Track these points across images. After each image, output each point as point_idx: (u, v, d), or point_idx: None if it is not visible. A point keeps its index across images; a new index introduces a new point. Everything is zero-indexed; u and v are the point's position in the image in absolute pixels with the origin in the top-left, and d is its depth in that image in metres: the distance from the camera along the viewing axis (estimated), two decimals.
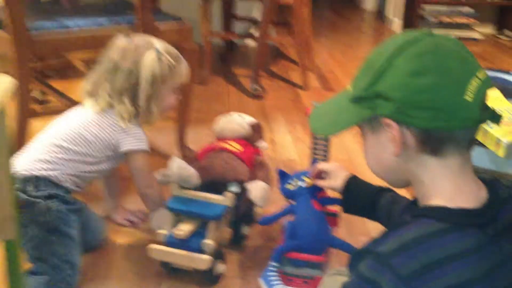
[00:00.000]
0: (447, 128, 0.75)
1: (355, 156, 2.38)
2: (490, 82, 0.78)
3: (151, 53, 1.52)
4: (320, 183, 1.40)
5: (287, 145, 2.53)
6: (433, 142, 0.76)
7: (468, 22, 4.60)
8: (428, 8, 4.60)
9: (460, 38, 4.47)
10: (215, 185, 1.56)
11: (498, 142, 1.25)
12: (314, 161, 1.67)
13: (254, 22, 3.88)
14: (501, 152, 1.23)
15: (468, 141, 0.78)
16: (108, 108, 1.55)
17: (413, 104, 0.74)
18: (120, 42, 1.56)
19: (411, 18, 4.60)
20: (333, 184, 1.35)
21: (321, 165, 1.42)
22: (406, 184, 0.86)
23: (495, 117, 0.80)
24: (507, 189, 0.83)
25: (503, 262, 0.76)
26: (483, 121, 0.77)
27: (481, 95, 0.75)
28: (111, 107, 1.54)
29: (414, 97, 0.74)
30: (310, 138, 1.67)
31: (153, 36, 1.61)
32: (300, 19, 3.21)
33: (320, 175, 1.43)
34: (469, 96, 0.73)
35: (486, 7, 4.73)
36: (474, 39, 4.52)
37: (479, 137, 1.28)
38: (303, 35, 3.27)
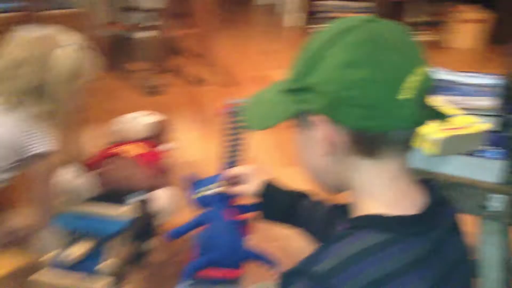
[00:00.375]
0: (381, 128, 0.69)
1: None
2: (431, 79, 0.71)
3: (61, 47, 1.34)
4: (232, 189, 1.24)
5: (190, 145, 2.38)
6: (367, 143, 0.70)
7: None
8: (324, 3, 4.61)
9: None
10: (114, 197, 1.40)
11: (428, 139, 1.17)
12: (226, 162, 1.52)
13: (151, 12, 3.64)
14: (434, 150, 1.15)
15: (405, 143, 0.72)
16: (12, 109, 1.33)
17: (345, 100, 0.68)
18: (20, 35, 1.34)
19: (307, 13, 4.59)
20: (247, 189, 1.22)
21: (235, 170, 1.26)
22: (341, 189, 0.79)
23: (438, 116, 0.75)
24: (441, 193, 0.78)
25: (449, 273, 0.72)
26: (422, 121, 0.71)
27: (420, 93, 0.69)
28: (15, 107, 1.33)
29: (346, 92, 0.68)
30: (221, 137, 1.51)
31: (54, 27, 1.38)
32: (203, 10, 3.04)
33: (234, 179, 1.27)
34: (405, 94, 0.67)
35: (381, 1, 4.80)
36: None
37: None
38: (206, 27, 3.10)
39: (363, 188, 0.74)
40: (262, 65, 3.68)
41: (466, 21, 4.43)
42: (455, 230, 0.77)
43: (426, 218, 0.72)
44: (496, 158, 1.16)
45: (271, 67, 3.66)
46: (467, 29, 4.33)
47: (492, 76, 1.53)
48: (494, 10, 4.38)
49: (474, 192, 1.17)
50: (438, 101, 1.37)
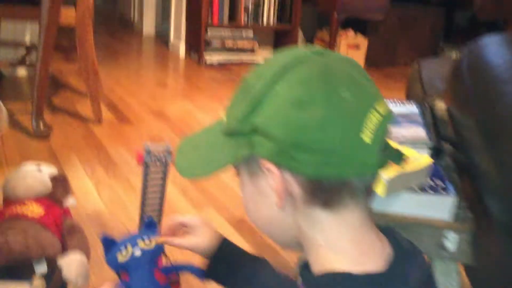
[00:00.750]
0: (341, 175, 0.61)
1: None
2: (392, 116, 0.64)
3: None
4: (180, 242, 1.07)
5: (89, 193, 2.16)
6: (325, 193, 0.63)
7: (251, 46, 4.67)
8: (212, 32, 4.54)
9: (243, 62, 4.55)
10: (15, 269, 1.16)
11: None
12: (144, 217, 1.34)
13: (26, 47, 3.34)
14: (380, 190, 1.06)
15: (367, 189, 0.65)
16: None
17: (298, 145, 0.60)
18: None
19: (195, 42, 4.51)
20: (196, 243, 1.06)
21: (178, 218, 1.09)
22: (297, 245, 0.70)
23: (397, 157, 0.67)
24: (403, 238, 0.70)
25: None
26: (383, 164, 0.64)
27: (381, 133, 0.62)
28: None
29: (299, 135, 0.60)
30: (141, 185, 1.33)
31: None
32: (84, 43, 2.82)
33: (178, 229, 1.11)
34: (367, 135, 0.60)
35: (264, 31, 4.86)
36: (258, 63, 4.56)
37: None
38: (88, 61, 2.87)
39: (323, 243, 0.65)
40: (159, 98, 3.53)
41: (349, 46, 4.58)
42: (430, 281, 0.70)
43: (393, 274, 0.64)
44: (448, 194, 1.10)
45: (169, 100, 3.52)
46: (350, 54, 4.46)
47: (405, 104, 1.51)
48: (366, 35, 4.59)
49: (428, 232, 1.11)
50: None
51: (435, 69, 2.24)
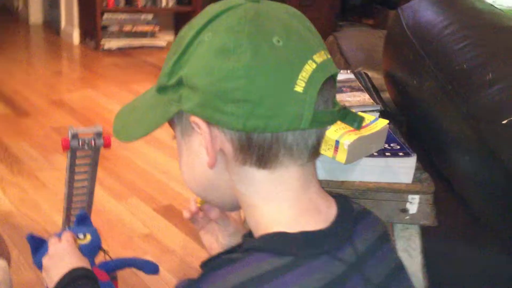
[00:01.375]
0: (272, 129, 0.57)
1: None
2: (334, 68, 0.60)
3: None
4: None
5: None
6: (256, 149, 0.58)
7: (151, 30, 4.49)
8: (108, 16, 4.30)
9: (145, 47, 4.36)
10: None
11: (336, 145, 1.01)
12: (71, 210, 1.20)
13: None
14: (340, 157, 0.99)
15: (308, 147, 0.60)
16: None
17: (222, 95, 0.56)
18: None
19: (90, 28, 4.26)
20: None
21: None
22: (236, 206, 0.66)
23: (355, 121, 0.63)
24: (355, 203, 0.67)
25: None
26: (326, 120, 0.60)
27: (319, 85, 0.57)
28: None
29: (222, 85, 0.56)
30: (66, 177, 1.17)
31: None
32: None
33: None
34: (301, 86, 0.56)
35: (164, 14, 4.69)
36: (160, 47, 4.42)
37: None
38: None
39: (260, 204, 0.61)
40: (57, 87, 3.29)
41: None
42: (383, 240, 0.66)
43: (335, 233, 0.60)
44: (407, 156, 1.06)
45: (68, 89, 3.28)
46: None
47: (340, 72, 1.46)
48: None
49: (389, 197, 1.07)
50: None
51: (354, 40, 2.23)
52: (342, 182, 1.07)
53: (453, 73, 1.01)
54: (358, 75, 1.47)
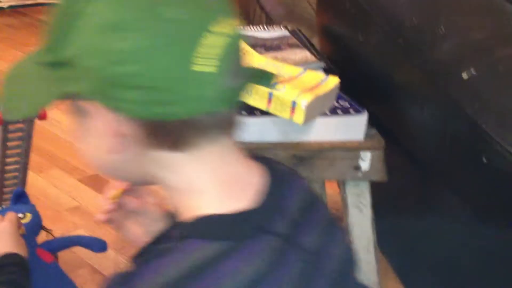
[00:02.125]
0: (177, 115, 0.52)
1: None
2: (238, 36, 0.54)
3: None
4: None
5: None
6: (168, 134, 0.53)
7: None
8: None
9: (40, 4, 4.05)
10: None
11: (292, 106, 0.99)
12: (6, 188, 1.11)
13: None
14: (298, 118, 0.98)
15: (224, 124, 0.56)
16: None
17: (116, 79, 0.50)
18: None
19: None
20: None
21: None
22: (148, 183, 0.62)
23: (264, 78, 0.61)
24: (280, 164, 0.65)
25: (314, 270, 0.58)
26: (237, 96, 0.55)
27: (219, 60, 0.51)
28: None
29: (114, 68, 0.50)
30: None
31: None
32: None
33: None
34: (204, 62, 0.50)
35: None
36: None
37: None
38: None
39: (182, 187, 0.56)
40: None
41: None
42: (312, 201, 0.64)
43: (267, 207, 0.57)
44: (359, 113, 1.06)
45: None
46: None
47: (269, 29, 1.43)
48: None
49: (342, 155, 1.07)
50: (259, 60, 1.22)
51: None
52: (297, 143, 1.06)
53: (403, 27, 1.01)
54: (292, 32, 1.45)
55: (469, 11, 0.97)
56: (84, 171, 1.83)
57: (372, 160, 1.09)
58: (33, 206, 1.06)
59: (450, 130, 0.88)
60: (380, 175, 1.10)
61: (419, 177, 1.11)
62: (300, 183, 0.64)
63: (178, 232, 0.55)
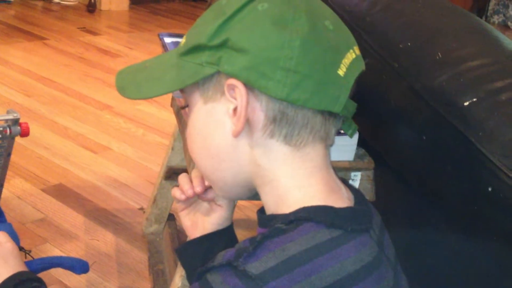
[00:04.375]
0: (310, 104, 0.59)
1: None
2: (363, 64, 0.65)
3: None
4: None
5: None
6: (287, 125, 0.61)
7: None
8: None
9: None
10: None
11: None
12: None
13: None
14: None
15: (331, 132, 0.64)
16: None
17: (273, 62, 0.58)
18: None
19: None
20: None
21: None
22: (247, 190, 0.67)
23: (350, 127, 0.68)
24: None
25: (396, 277, 0.64)
26: (352, 111, 0.64)
27: (356, 75, 0.62)
28: None
29: (276, 52, 0.58)
30: None
31: None
32: None
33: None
34: (343, 71, 0.60)
35: None
36: (7, 2, 3.98)
37: None
38: None
39: (284, 179, 0.62)
40: None
41: None
42: (383, 226, 0.70)
43: (364, 213, 0.64)
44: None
45: None
46: None
47: None
48: None
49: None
50: None
51: None
52: None
53: (397, 50, 1.02)
54: None
55: (464, 35, 0.99)
56: (47, 181, 1.77)
57: (362, 181, 1.09)
58: (10, 225, 1.01)
59: (452, 157, 0.89)
60: (369, 195, 1.11)
61: (407, 195, 1.12)
62: (371, 205, 0.69)
63: (291, 217, 0.59)
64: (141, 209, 1.66)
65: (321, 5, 0.64)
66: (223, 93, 0.61)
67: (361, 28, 1.10)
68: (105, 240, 1.51)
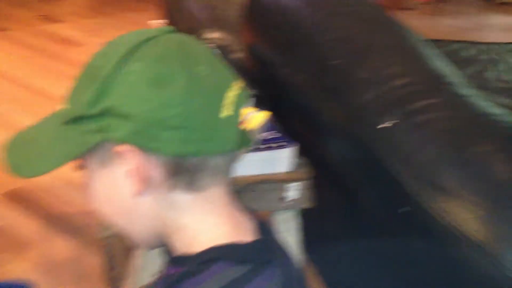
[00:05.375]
0: (203, 152, 0.61)
1: None
2: (247, 94, 0.66)
3: None
4: None
5: None
6: (186, 173, 0.62)
7: None
8: None
9: None
10: None
11: None
12: None
13: None
14: None
15: (227, 168, 0.65)
16: None
17: (159, 123, 0.59)
18: None
19: None
20: None
21: None
22: (159, 241, 0.68)
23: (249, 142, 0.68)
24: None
25: None
26: (249, 140, 0.66)
27: (239, 110, 0.63)
28: None
29: (159, 113, 0.59)
30: None
31: None
32: None
33: None
34: (227, 112, 0.61)
35: None
36: None
37: None
38: None
39: (193, 225, 0.64)
40: None
41: None
42: (286, 252, 0.73)
43: (268, 244, 0.67)
44: (287, 145, 1.09)
45: None
46: None
47: None
48: None
49: (271, 187, 1.10)
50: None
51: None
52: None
53: (328, 68, 1.04)
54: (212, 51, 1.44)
55: (392, 53, 1.01)
56: (1, 186, 1.75)
57: (301, 189, 1.12)
58: None
59: (367, 176, 0.93)
60: (307, 203, 1.15)
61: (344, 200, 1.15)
62: (273, 231, 0.71)
63: (200, 258, 0.61)
64: None
65: (193, 49, 0.63)
66: (118, 157, 0.61)
67: (296, 40, 1.12)
68: (63, 246, 1.51)
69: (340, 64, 1.02)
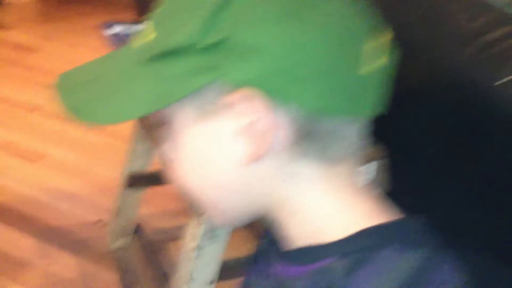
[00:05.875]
0: (342, 112, 0.50)
1: None
2: (396, 50, 0.53)
3: None
4: None
5: None
6: (318, 139, 0.50)
7: None
8: None
9: None
10: None
11: None
12: None
13: None
14: None
15: (358, 142, 0.53)
16: None
17: (297, 66, 0.48)
18: None
19: None
20: None
21: None
22: (251, 220, 0.55)
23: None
24: None
25: None
26: (381, 109, 0.53)
27: (378, 70, 0.52)
28: None
29: (299, 53, 0.48)
30: None
31: None
32: None
33: None
34: (366, 67, 0.50)
35: None
36: None
37: None
38: None
39: (323, 205, 0.52)
40: None
41: None
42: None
43: (421, 221, 0.55)
44: None
45: None
46: None
47: None
48: None
49: None
50: None
51: None
52: None
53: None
54: None
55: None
56: None
57: (378, 171, 1.03)
58: None
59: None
60: (386, 186, 1.05)
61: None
62: None
63: (359, 243, 0.50)
64: (100, 221, 1.48)
65: None
66: (229, 107, 0.49)
67: None
68: (65, 264, 1.33)
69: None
